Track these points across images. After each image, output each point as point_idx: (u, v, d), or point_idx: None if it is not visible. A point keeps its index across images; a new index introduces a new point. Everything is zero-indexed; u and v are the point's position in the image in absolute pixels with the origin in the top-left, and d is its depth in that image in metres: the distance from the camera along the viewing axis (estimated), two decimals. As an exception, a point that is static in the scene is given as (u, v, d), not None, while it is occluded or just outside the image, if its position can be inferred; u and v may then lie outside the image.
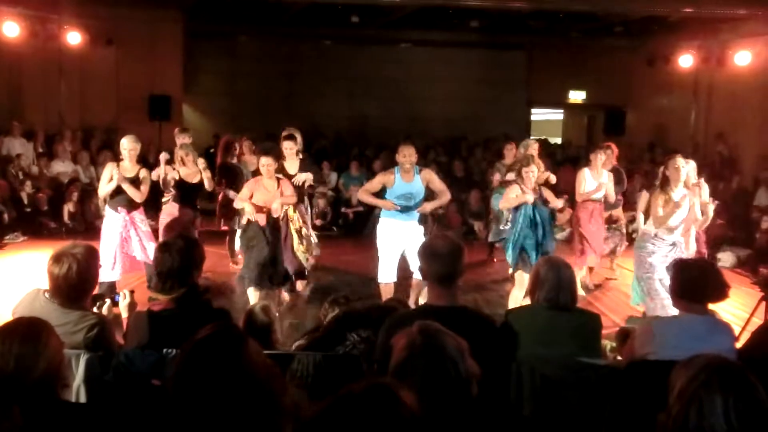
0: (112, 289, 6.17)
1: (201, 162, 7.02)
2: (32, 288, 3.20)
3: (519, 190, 6.22)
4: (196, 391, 1.78)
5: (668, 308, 5.86)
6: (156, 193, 7.18)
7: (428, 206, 6.30)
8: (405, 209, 6.12)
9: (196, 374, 1.80)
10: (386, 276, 6.20)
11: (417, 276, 6.10)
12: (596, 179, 7.46)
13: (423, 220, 6.42)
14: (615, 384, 3.01)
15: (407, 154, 6.04)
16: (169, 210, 7.04)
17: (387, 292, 6.20)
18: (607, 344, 4.62)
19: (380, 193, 6.28)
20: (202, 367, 1.80)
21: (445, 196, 6.34)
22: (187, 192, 7.03)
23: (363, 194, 6.35)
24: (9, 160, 10.90)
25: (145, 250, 6.39)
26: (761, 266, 8.37)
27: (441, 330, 2.05)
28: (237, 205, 6.68)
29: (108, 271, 6.25)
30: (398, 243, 6.18)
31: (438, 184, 6.31)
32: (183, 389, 1.80)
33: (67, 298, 3.07)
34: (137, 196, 6.39)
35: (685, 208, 5.85)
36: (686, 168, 5.88)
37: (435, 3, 11.77)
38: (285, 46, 15.27)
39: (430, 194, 6.36)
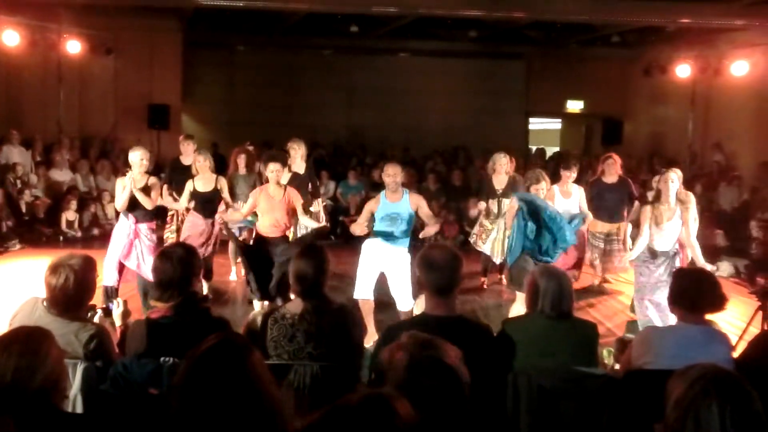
0: (111, 293, 6.19)
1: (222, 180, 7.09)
2: (30, 297, 3.20)
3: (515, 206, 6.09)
4: (200, 401, 1.77)
5: (652, 320, 5.97)
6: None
7: (430, 230, 6.00)
8: (389, 233, 5.85)
9: (202, 384, 1.79)
10: (361, 293, 5.96)
11: (401, 308, 5.90)
12: (564, 197, 7.29)
13: (412, 244, 6.07)
14: (612, 393, 3.01)
15: (391, 174, 5.79)
16: (192, 220, 7.02)
17: (367, 310, 5.92)
18: (604, 350, 4.63)
19: (370, 221, 6.02)
20: (208, 376, 1.80)
21: (435, 222, 6.05)
22: (204, 203, 7.00)
23: (355, 228, 6.10)
24: (7, 169, 10.91)
25: (141, 263, 6.37)
26: (759, 276, 8.37)
27: (438, 340, 2.05)
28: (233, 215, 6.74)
29: (109, 274, 6.30)
30: (377, 264, 5.93)
31: (427, 211, 5.98)
32: (187, 399, 1.79)
33: (64, 309, 3.06)
34: (148, 203, 6.40)
35: (676, 219, 5.89)
36: (677, 181, 5.91)
37: (434, 13, 11.82)
38: (284, 55, 15.32)
39: (419, 221, 6.10)
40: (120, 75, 13.21)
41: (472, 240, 8.00)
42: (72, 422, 2.29)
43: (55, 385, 2.20)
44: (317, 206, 7.92)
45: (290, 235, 7.01)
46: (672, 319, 5.85)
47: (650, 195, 6.34)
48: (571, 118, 17.30)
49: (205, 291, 7.07)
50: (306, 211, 6.71)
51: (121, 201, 6.41)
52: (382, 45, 15.02)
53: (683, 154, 13.25)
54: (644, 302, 6.00)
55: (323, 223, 7.21)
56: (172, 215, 7.45)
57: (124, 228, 6.41)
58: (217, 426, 1.75)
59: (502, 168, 7.77)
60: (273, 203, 6.18)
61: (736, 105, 12.20)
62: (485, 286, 8.11)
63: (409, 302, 5.88)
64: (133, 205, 6.40)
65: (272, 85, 15.35)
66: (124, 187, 6.36)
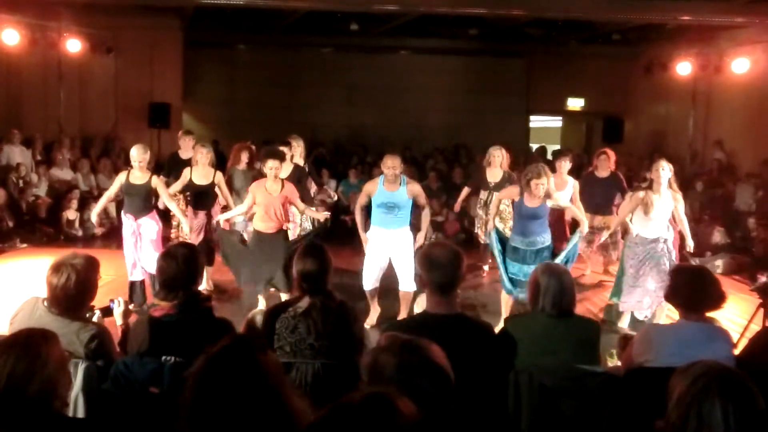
0: (138, 289, 6.46)
1: (219, 176, 7.08)
2: (30, 296, 3.19)
3: (515, 193, 6.05)
4: (215, 400, 1.76)
5: (636, 307, 6.13)
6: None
7: (420, 239, 6.21)
8: (388, 220, 6.06)
9: (217, 383, 1.79)
10: (368, 283, 6.24)
11: (403, 288, 6.10)
12: (558, 189, 7.36)
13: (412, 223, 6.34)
14: (613, 391, 3.01)
15: (391, 166, 5.95)
16: (195, 220, 7.08)
17: (372, 294, 6.33)
18: (614, 350, 4.65)
19: (368, 203, 6.27)
20: (223, 375, 1.80)
21: (426, 217, 6.27)
22: (199, 196, 7.03)
23: (356, 214, 6.46)
24: (9, 169, 10.90)
25: (142, 258, 6.41)
26: (759, 273, 8.37)
27: (423, 341, 2.05)
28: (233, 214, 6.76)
29: (132, 272, 6.52)
30: (384, 251, 6.15)
31: (422, 200, 6.19)
32: (201, 397, 1.78)
33: (65, 309, 3.05)
34: (177, 212, 6.67)
35: (665, 207, 6.04)
36: (667, 170, 6.06)
37: (434, 11, 11.81)
38: (284, 54, 15.32)
39: (416, 209, 6.30)
40: (120, 74, 13.20)
41: (475, 230, 8.42)
42: (70, 427, 2.26)
43: (54, 390, 2.15)
44: (330, 192, 8.15)
45: (290, 233, 7.01)
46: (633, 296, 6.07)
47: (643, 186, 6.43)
48: (571, 116, 17.29)
49: (204, 279, 7.08)
50: (305, 202, 6.77)
51: (104, 198, 6.69)
52: (383, 43, 15.00)
53: (684, 152, 13.25)
54: (626, 281, 6.15)
55: (329, 206, 7.28)
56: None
57: (127, 228, 6.47)
58: (231, 425, 1.75)
59: (496, 161, 7.88)
60: (270, 198, 6.22)
61: (736, 102, 12.19)
62: (485, 273, 8.36)
63: (411, 284, 6.00)
64: (128, 205, 6.44)
65: (273, 83, 15.34)
66: (119, 188, 6.47)
